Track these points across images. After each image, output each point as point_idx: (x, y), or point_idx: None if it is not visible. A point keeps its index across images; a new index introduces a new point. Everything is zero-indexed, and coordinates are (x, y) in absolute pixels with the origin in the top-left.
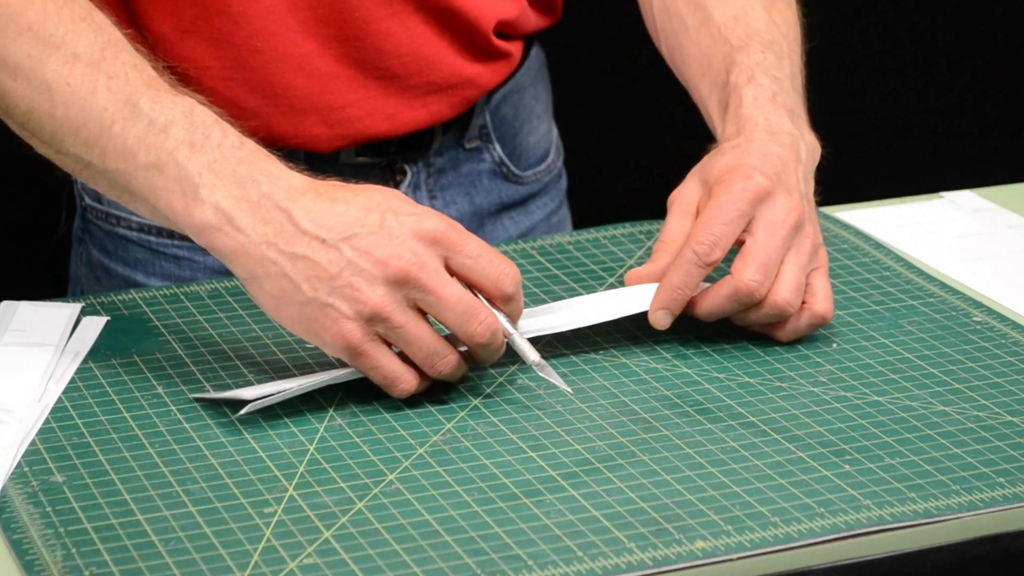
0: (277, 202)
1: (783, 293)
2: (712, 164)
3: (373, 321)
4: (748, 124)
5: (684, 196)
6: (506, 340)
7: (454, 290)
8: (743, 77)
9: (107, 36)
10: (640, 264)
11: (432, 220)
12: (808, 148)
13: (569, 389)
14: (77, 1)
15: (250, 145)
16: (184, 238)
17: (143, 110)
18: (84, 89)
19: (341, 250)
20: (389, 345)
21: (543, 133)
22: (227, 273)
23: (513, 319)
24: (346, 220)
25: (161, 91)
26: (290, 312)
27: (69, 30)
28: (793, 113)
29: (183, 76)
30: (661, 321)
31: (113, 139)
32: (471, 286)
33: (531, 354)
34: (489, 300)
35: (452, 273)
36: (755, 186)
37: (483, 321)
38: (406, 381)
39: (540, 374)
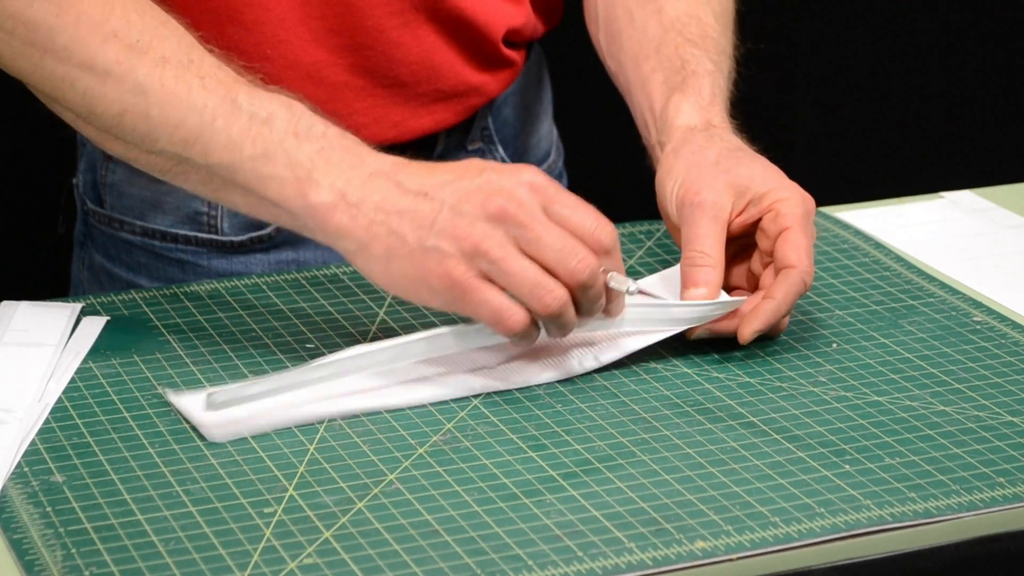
0: (386, 174)
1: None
2: (741, 172)
3: (475, 257)
4: (711, 119)
5: (715, 199)
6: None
7: (552, 229)
8: (702, 69)
9: (189, 40)
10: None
11: (531, 173)
12: None
13: (635, 290)
14: (153, 7)
15: (351, 136)
16: (188, 242)
17: (243, 105)
18: (180, 89)
19: (442, 198)
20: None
21: (544, 133)
22: (232, 274)
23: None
24: (448, 176)
25: (255, 85)
26: (399, 268)
27: (154, 35)
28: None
29: (261, 78)
30: (750, 338)
31: (216, 134)
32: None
33: (630, 285)
34: None
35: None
36: (812, 207)
37: (583, 259)
38: (514, 313)
39: (619, 288)
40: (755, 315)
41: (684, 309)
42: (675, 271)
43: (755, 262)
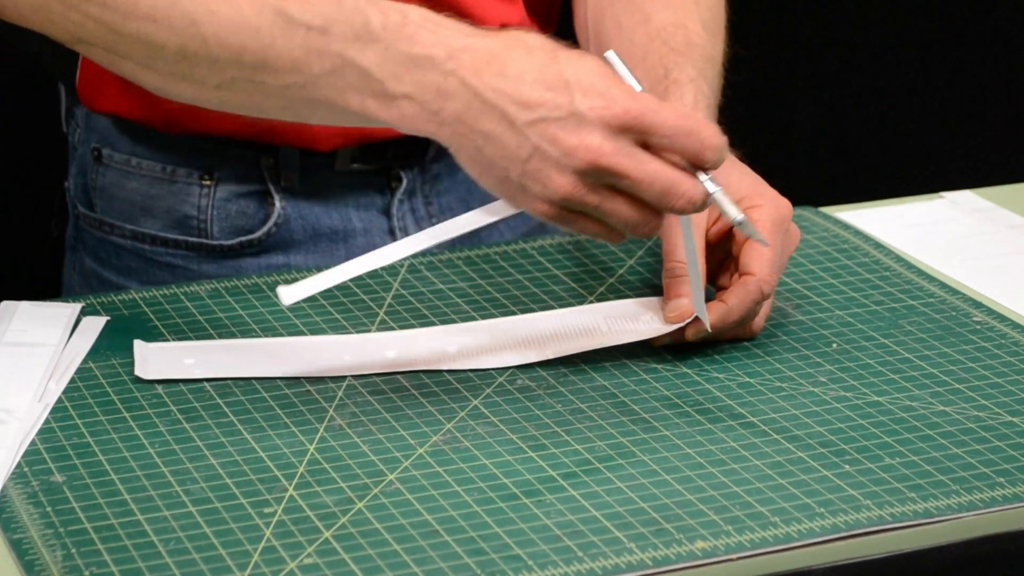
0: (462, 79)
1: (775, 285)
2: (718, 180)
3: (566, 203)
4: None
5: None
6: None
7: (647, 169)
8: (684, 76)
9: None
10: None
11: (623, 103)
12: None
13: (767, 241)
14: None
15: (413, 17)
16: (178, 246)
17: (295, 17)
18: (230, 12)
19: (528, 135)
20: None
21: None
22: (223, 279)
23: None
24: (533, 98)
25: None
26: (489, 184)
27: None
28: None
29: None
30: (693, 338)
31: (279, 57)
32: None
33: (734, 213)
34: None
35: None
36: (786, 214)
37: (683, 195)
38: (616, 235)
39: (744, 232)
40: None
41: None
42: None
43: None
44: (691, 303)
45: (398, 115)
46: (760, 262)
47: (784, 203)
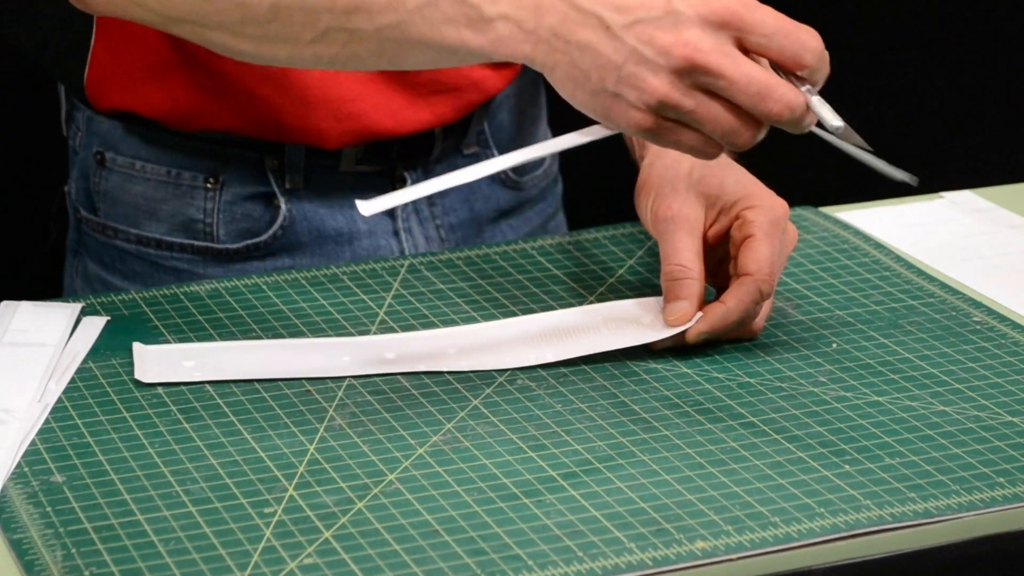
0: None
1: (774, 285)
2: (713, 182)
3: (663, 108)
4: None
5: (688, 214)
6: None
7: (744, 70)
8: None
9: None
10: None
11: (722, 0)
12: None
13: (871, 150)
14: None
15: None
16: (183, 250)
17: None
18: None
19: (624, 39)
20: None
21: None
22: (227, 276)
23: (815, 84)
24: (628, 2)
25: None
26: (584, 100)
27: None
28: None
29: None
30: (696, 340)
31: None
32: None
33: (833, 119)
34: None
35: (748, 52)
36: (782, 215)
37: (780, 99)
38: (712, 146)
39: (842, 141)
40: (703, 319)
41: None
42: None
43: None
44: (691, 307)
45: (495, 38)
46: (758, 262)
47: (780, 203)
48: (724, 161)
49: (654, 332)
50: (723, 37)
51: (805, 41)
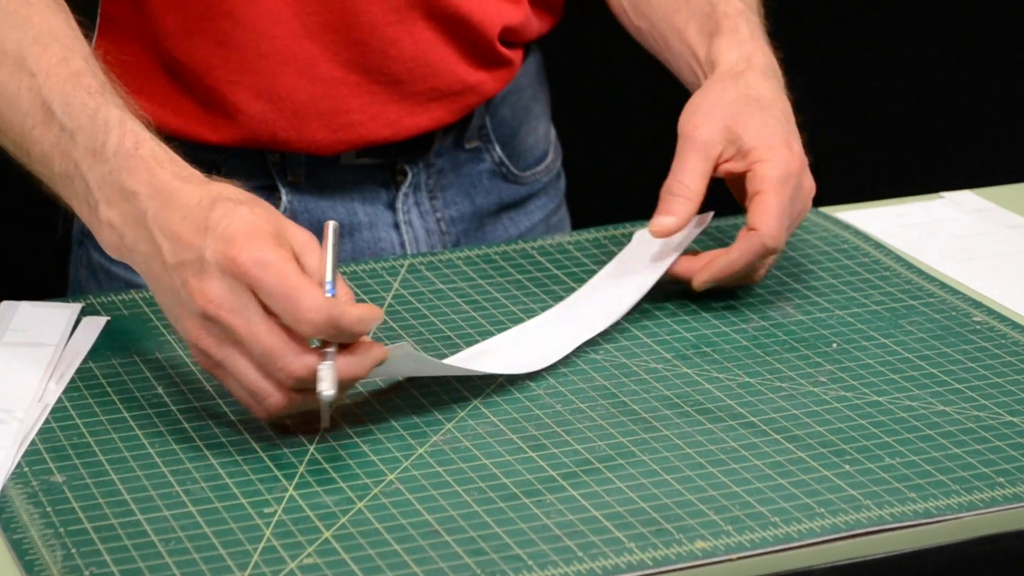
0: (147, 221)
1: (781, 240)
2: (742, 120)
3: (202, 354)
4: (752, 55)
5: (707, 138)
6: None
7: (252, 329)
8: (732, 9)
9: (38, 28)
10: None
11: (240, 251)
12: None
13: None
14: None
15: (145, 148)
16: None
17: (56, 114)
18: (10, 89)
19: (172, 276)
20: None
21: (541, 134)
22: None
23: (346, 349)
24: (179, 244)
25: (77, 90)
26: (169, 319)
27: (6, 24)
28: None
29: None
30: (701, 287)
31: (34, 144)
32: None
33: (328, 389)
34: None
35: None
36: (794, 170)
37: (284, 367)
38: (253, 403)
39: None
40: (708, 267)
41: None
42: (632, 253)
43: None
44: (677, 223)
45: (102, 238)
46: (766, 216)
47: (795, 157)
48: (765, 104)
49: (652, 276)
50: (241, 290)
51: (303, 313)
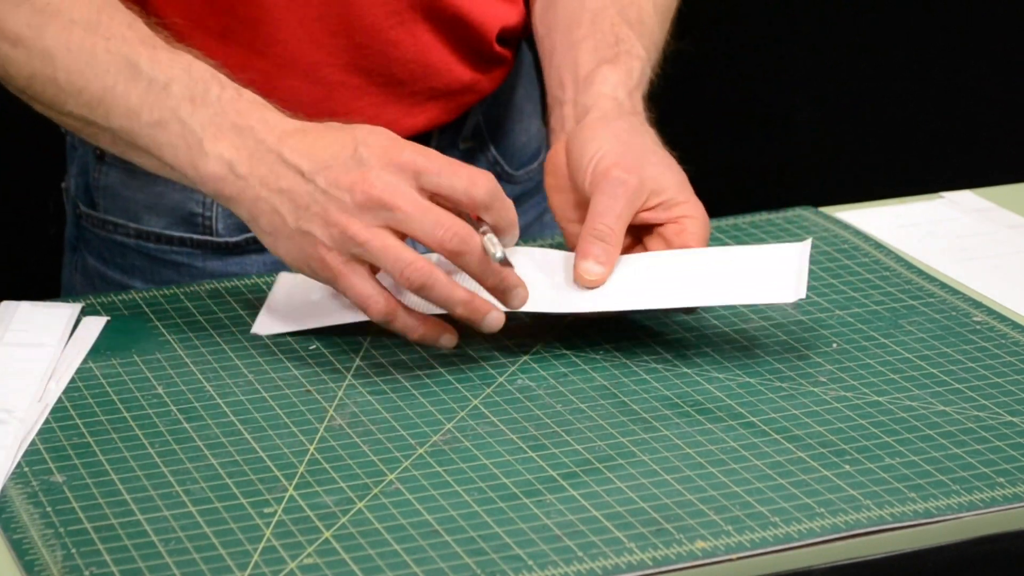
0: (269, 146)
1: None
2: (657, 171)
3: (344, 242)
4: (637, 103)
5: (639, 189)
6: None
7: (419, 204)
8: (635, 52)
9: (100, 2)
10: None
11: (398, 150)
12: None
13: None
14: None
15: (247, 95)
16: (183, 244)
17: (143, 69)
18: (84, 53)
19: (316, 182)
20: (374, 271)
21: (533, 132)
22: (227, 275)
23: (498, 229)
24: (324, 153)
25: (158, 48)
26: (284, 245)
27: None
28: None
29: (175, 33)
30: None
31: (116, 100)
32: (451, 204)
33: (497, 252)
34: (475, 217)
35: (431, 196)
36: (710, 232)
37: (448, 228)
38: (375, 302)
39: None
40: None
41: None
42: (552, 254)
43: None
44: (608, 271)
45: (206, 173)
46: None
47: (707, 220)
48: (664, 154)
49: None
50: (402, 179)
51: (475, 177)
